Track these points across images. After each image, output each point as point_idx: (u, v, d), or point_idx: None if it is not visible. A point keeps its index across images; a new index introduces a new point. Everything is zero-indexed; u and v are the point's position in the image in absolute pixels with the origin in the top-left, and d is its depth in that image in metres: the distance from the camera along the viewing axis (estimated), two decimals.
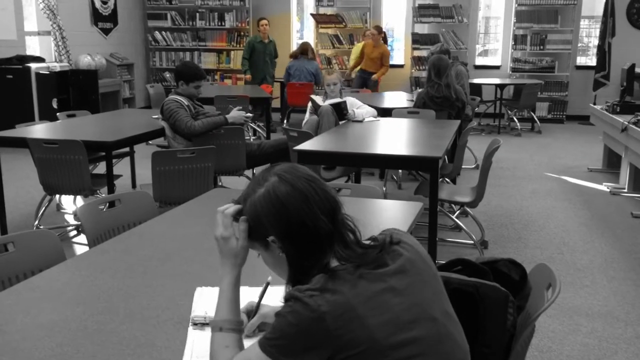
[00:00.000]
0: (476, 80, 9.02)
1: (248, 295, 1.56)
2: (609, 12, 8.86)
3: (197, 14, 10.67)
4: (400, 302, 1.20)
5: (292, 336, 1.16)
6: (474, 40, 10.43)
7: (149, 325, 1.55)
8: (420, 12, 10.07)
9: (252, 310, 1.50)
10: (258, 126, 8.28)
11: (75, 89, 8.08)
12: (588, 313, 3.25)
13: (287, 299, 1.19)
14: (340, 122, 4.87)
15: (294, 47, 11.11)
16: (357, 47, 9.42)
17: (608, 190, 5.78)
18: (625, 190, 5.70)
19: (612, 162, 6.46)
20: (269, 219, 1.26)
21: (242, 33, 10.67)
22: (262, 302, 1.49)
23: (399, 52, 10.88)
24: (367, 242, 1.31)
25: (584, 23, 10.41)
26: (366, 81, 8.96)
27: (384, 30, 9.41)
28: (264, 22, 8.90)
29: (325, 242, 1.24)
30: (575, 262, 3.99)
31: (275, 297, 1.40)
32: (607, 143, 6.28)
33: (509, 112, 9.54)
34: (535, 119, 9.35)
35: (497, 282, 1.60)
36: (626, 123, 5.05)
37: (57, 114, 5.45)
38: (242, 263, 1.35)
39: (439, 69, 5.21)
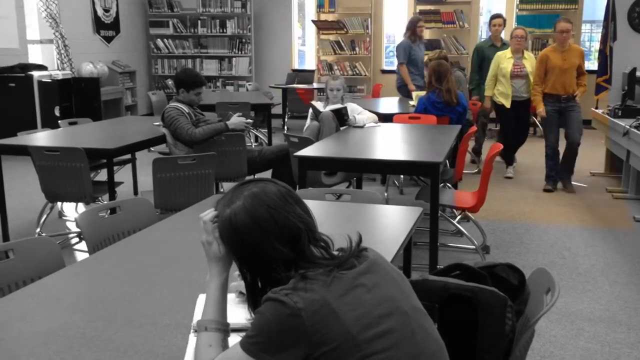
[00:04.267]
0: None
1: (234, 300, 1.57)
2: (610, 16, 8.85)
3: (199, 22, 10.71)
4: (371, 298, 1.25)
5: (271, 333, 1.20)
6: (475, 45, 10.42)
7: (147, 332, 1.55)
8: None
9: (236, 328, 1.52)
10: (260, 132, 8.30)
11: (77, 97, 8.11)
12: (590, 317, 3.24)
13: (264, 300, 1.23)
14: (341, 128, 4.87)
15: (296, 54, 11.15)
16: (500, 58, 6.27)
17: (610, 194, 5.76)
18: (628, 194, 5.68)
19: (614, 166, 6.45)
20: (229, 243, 1.33)
21: (243, 40, 10.70)
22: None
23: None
24: (336, 252, 1.35)
25: (585, 27, 10.41)
26: (566, 113, 5.81)
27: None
28: (498, 20, 6.91)
29: (282, 268, 1.28)
30: (577, 266, 3.97)
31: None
32: (609, 147, 6.26)
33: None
34: (538, 123, 9.33)
35: (495, 287, 1.60)
36: (628, 127, 5.03)
37: (59, 121, 5.47)
38: (228, 267, 1.38)
39: (439, 74, 5.23)
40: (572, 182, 5.99)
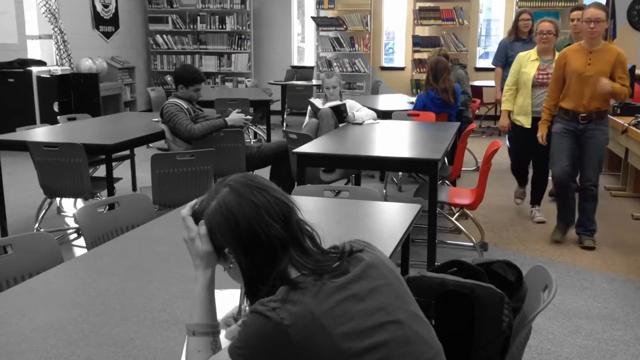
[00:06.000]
0: (477, 83, 9.01)
1: (221, 298, 1.54)
2: (609, 13, 8.85)
3: (198, 18, 10.70)
4: (363, 309, 1.21)
5: (256, 347, 1.18)
6: (475, 42, 10.42)
7: (145, 327, 1.55)
8: (421, 15, 10.08)
9: (236, 315, 1.51)
10: (258, 128, 8.30)
11: (76, 93, 8.10)
12: (588, 315, 3.25)
13: (251, 312, 1.20)
14: (340, 125, 4.87)
15: (295, 50, 11.15)
16: (521, 60, 4.79)
17: (609, 192, 5.77)
18: (626, 192, 5.69)
19: (612, 164, 6.45)
20: (222, 231, 1.28)
21: (243, 36, 10.69)
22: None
23: (400, 54, 10.89)
24: (331, 250, 1.32)
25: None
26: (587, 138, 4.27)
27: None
28: (577, 13, 5.33)
29: (279, 250, 1.25)
30: (575, 263, 3.98)
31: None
32: (607, 145, 6.26)
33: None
34: None
35: (492, 284, 1.60)
36: (627, 125, 5.04)
37: (58, 117, 5.46)
38: (213, 265, 1.34)
39: (436, 72, 5.25)
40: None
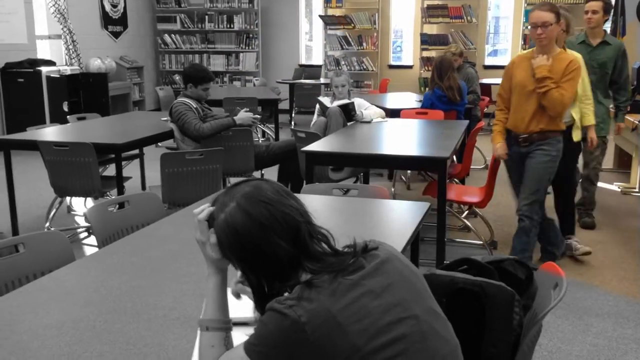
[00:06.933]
0: (486, 81, 8.98)
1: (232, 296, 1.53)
2: (619, 11, 8.81)
3: (206, 17, 10.72)
4: (379, 305, 1.21)
5: (274, 345, 1.18)
6: (483, 40, 10.39)
7: (156, 325, 1.56)
8: (429, 13, 10.05)
9: (239, 322, 1.50)
10: (267, 127, 8.31)
11: (85, 92, 8.14)
12: (598, 313, 3.23)
13: (268, 309, 1.20)
14: (348, 123, 4.87)
15: (303, 49, 11.15)
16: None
17: (619, 190, 5.74)
18: (636, 190, 5.66)
19: (623, 161, 6.42)
20: (228, 247, 1.27)
21: (250, 35, 10.70)
22: None
23: (408, 53, 10.87)
24: (345, 249, 1.31)
25: None
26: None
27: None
28: (591, 4, 4.38)
29: (288, 265, 1.25)
30: (585, 262, 3.96)
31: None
32: (617, 142, 6.23)
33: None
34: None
35: (502, 282, 1.60)
36: (637, 122, 5.01)
37: (68, 116, 5.50)
38: (226, 265, 1.35)
39: (440, 71, 5.25)
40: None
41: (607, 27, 9.67)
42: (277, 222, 1.24)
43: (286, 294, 1.22)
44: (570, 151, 3.78)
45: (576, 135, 3.82)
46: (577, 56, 3.56)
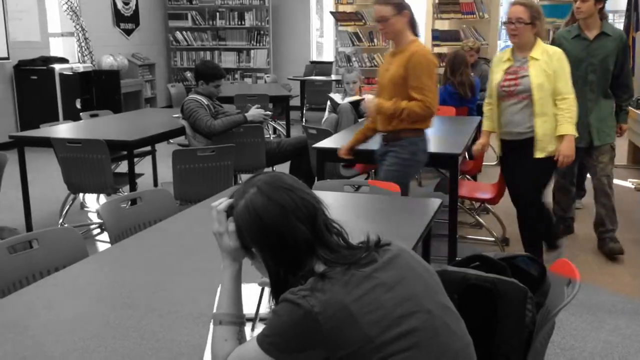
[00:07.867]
0: None
1: (246, 291, 1.54)
2: (632, 6, 8.70)
3: (217, 14, 10.74)
4: (391, 297, 1.21)
5: (287, 335, 1.19)
6: (495, 36, 10.32)
7: (168, 320, 1.57)
8: (441, 9, 10.00)
9: (252, 318, 1.52)
10: (278, 124, 8.32)
11: (98, 89, 8.19)
12: (611, 310, 3.21)
13: (281, 300, 1.21)
14: (360, 120, 4.86)
15: (314, 46, 11.14)
16: (495, 60, 3.57)
17: (633, 186, 5.68)
18: None
19: (637, 158, 6.36)
20: (249, 232, 1.29)
21: (261, 32, 10.71)
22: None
23: None
24: (359, 244, 1.32)
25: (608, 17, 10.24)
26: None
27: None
28: None
29: (306, 250, 1.26)
30: (598, 258, 3.93)
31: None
32: (631, 139, 6.17)
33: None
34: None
35: (515, 278, 1.59)
36: None
37: (81, 113, 5.54)
38: (240, 260, 1.36)
39: (453, 66, 5.23)
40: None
41: (620, 22, 9.56)
42: (296, 206, 1.27)
43: (299, 287, 1.23)
44: (534, 169, 3.32)
45: (540, 152, 3.28)
46: (557, 50, 3.28)
